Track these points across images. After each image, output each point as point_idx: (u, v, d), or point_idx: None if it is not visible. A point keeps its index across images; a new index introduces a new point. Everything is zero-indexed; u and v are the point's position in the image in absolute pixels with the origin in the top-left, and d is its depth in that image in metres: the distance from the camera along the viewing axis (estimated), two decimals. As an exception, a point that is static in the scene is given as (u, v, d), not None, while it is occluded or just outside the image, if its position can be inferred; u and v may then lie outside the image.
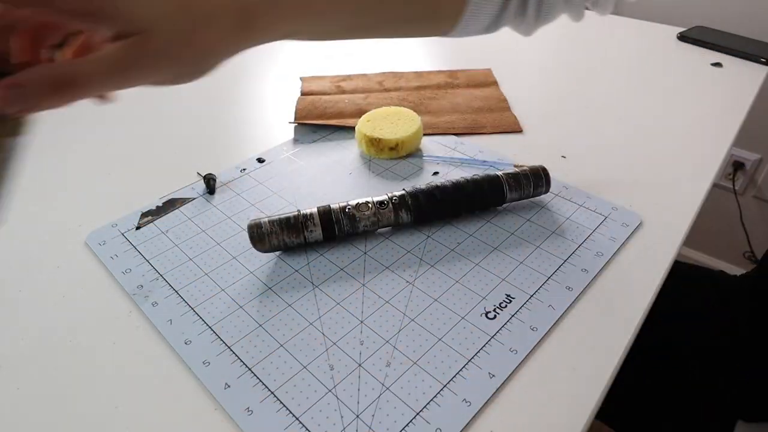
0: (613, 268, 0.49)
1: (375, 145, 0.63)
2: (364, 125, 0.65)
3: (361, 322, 0.44)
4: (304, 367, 0.40)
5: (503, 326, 0.43)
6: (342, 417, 0.37)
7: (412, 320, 0.44)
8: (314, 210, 0.50)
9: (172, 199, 0.58)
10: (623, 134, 0.70)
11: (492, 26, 0.42)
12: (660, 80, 0.84)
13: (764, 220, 1.45)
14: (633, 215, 0.55)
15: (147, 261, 0.50)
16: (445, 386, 0.39)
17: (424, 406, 0.38)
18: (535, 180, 0.54)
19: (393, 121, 0.65)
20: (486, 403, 0.38)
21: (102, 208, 0.57)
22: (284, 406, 0.38)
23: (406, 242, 0.52)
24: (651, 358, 0.65)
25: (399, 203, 0.51)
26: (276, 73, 0.87)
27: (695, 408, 0.62)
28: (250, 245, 0.49)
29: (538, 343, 0.42)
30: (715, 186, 1.44)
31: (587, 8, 0.44)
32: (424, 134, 0.69)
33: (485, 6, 0.39)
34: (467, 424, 0.37)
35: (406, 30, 0.39)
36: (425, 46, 0.98)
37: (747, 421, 0.66)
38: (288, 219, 0.49)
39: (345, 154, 0.66)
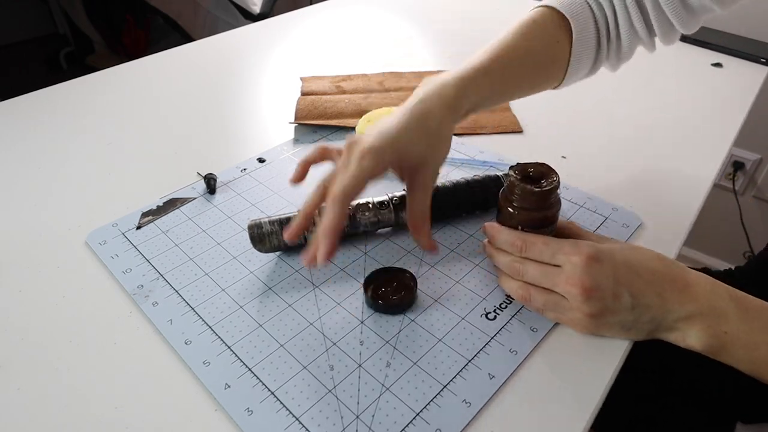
0: (613, 268, 0.49)
1: None
2: (363, 125, 0.65)
3: (361, 322, 0.44)
4: (304, 368, 0.40)
5: (503, 327, 0.43)
6: (342, 417, 0.37)
7: (412, 321, 0.44)
8: (314, 210, 0.50)
9: (173, 198, 0.58)
10: (623, 134, 0.70)
11: (590, 74, 0.57)
12: (660, 80, 0.84)
13: (764, 220, 1.44)
14: (633, 216, 0.55)
15: (147, 261, 0.50)
16: (445, 387, 0.39)
17: (424, 407, 0.38)
18: (536, 180, 0.54)
19: None
20: (486, 403, 0.38)
21: (102, 208, 0.57)
22: (284, 406, 0.38)
23: (406, 242, 0.52)
24: (650, 360, 0.65)
25: (399, 204, 0.51)
26: (276, 73, 0.87)
27: (694, 410, 0.62)
28: (251, 245, 0.49)
29: (538, 344, 0.42)
30: (715, 186, 1.44)
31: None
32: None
33: (577, 72, 0.54)
34: (467, 424, 0.37)
35: (527, 94, 0.53)
36: (425, 47, 0.98)
37: (746, 423, 0.66)
38: (288, 219, 0.49)
39: (345, 154, 0.66)
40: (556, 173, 0.44)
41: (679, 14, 0.51)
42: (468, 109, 0.47)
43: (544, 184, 0.43)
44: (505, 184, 0.45)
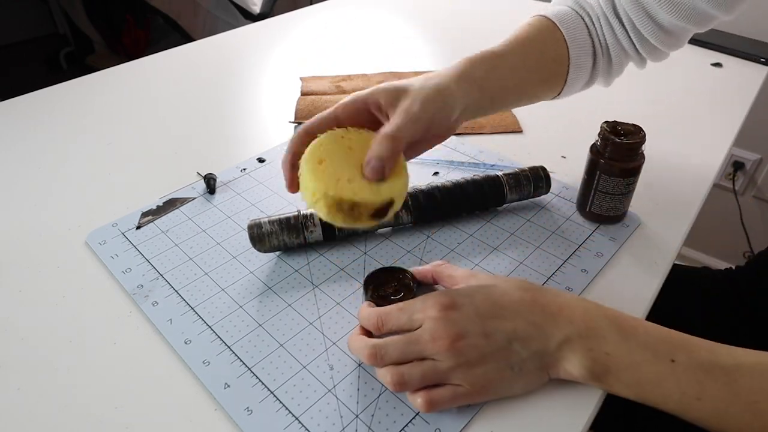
0: (613, 268, 0.49)
1: (346, 212, 0.37)
2: (317, 173, 0.37)
3: (361, 322, 0.44)
4: (304, 367, 0.40)
5: (503, 326, 0.43)
6: (341, 417, 0.37)
7: (412, 320, 0.44)
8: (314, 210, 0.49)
9: (173, 198, 0.58)
10: (623, 134, 0.70)
11: (585, 87, 0.57)
12: (660, 80, 0.84)
13: (764, 220, 1.44)
14: (633, 215, 0.55)
15: (147, 261, 0.50)
16: (444, 386, 0.39)
17: (424, 406, 0.38)
18: (535, 180, 0.54)
19: (358, 158, 0.39)
20: (486, 402, 0.38)
21: (102, 208, 0.57)
22: (284, 405, 0.38)
23: (406, 242, 0.52)
24: None
25: (399, 203, 0.51)
26: (276, 73, 0.87)
27: None
28: (250, 245, 0.49)
29: (537, 343, 0.42)
30: (715, 186, 1.44)
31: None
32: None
33: (578, 78, 0.54)
34: (467, 424, 0.37)
35: (530, 102, 0.53)
36: (425, 47, 0.98)
37: None
38: (288, 219, 0.49)
39: (345, 154, 0.66)
40: (643, 130, 0.50)
41: (658, 36, 0.52)
42: (480, 83, 0.45)
43: (632, 139, 0.49)
44: (597, 140, 0.51)
